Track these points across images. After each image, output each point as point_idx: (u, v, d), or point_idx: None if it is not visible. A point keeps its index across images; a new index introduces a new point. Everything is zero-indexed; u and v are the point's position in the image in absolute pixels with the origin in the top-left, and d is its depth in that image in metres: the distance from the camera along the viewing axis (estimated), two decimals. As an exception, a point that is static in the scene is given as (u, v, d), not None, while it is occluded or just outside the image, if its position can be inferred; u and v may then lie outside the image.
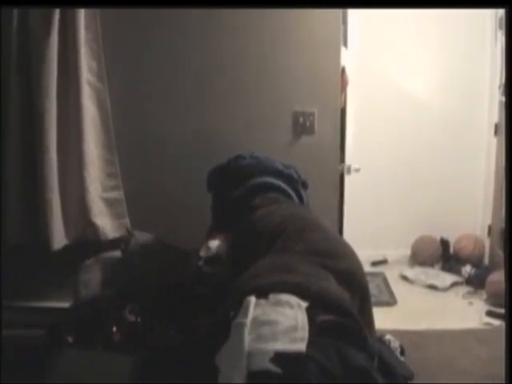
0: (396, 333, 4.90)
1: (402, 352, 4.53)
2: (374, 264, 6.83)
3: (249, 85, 4.35)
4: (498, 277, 5.86)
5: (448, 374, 4.50)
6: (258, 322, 2.16)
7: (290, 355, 2.05)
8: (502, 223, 5.88)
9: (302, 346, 2.07)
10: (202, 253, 3.35)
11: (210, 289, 3.10)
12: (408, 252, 6.96)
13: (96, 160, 4.18)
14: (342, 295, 2.45)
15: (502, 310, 5.55)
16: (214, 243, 3.38)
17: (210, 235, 3.51)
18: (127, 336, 3.25)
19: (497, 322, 5.46)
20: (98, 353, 3.18)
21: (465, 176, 6.20)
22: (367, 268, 5.98)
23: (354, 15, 5.62)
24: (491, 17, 6.50)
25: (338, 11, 4.32)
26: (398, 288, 6.31)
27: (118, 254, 3.84)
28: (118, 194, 4.27)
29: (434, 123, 6.55)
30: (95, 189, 4.18)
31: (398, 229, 6.90)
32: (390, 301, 5.89)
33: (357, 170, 5.56)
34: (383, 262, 6.95)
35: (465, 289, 6.22)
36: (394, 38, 6.60)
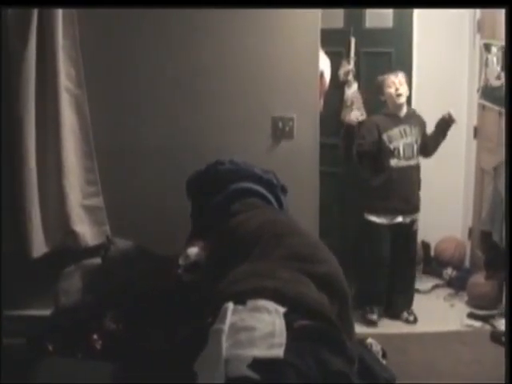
0: (378, 336, 4.92)
1: (384, 355, 4.54)
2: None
3: (227, 90, 4.35)
4: (479, 279, 5.88)
5: (430, 377, 4.52)
6: (235, 328, 2.16)
7: (268, 361, 2.06)
8: (481, 226, 5.91)
9: (279, 352, 2.08)
10: (181, 261, 3.35)
11: (190, 296, 3.10)
12: (389, 255, 6.96)
13: (75, 167, 4.17)
14: (321, 300, 2.45)
15: (483, 312, 5.58)
16: (193, 251, 3.38)
17: (189, 243, 3.51)
18: (108, 343, 3.25)
19: (478, 324, 5.47)
20: (79, 361, 3.18)
21: (445, 179, 6.21)
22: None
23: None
24: (469, 20, 6.53)
25: (317, 16, 4.33)
26: (381, 292, 6.32)
27: (98, 261, 3.84)
28: (98, 202, 4.26)
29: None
30: (75, 196, 4.17)
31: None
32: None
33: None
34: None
35: (446, 291, 6.23)
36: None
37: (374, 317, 5.42)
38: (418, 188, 5.55)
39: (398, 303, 5.59)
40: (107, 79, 4.33)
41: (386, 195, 5.40)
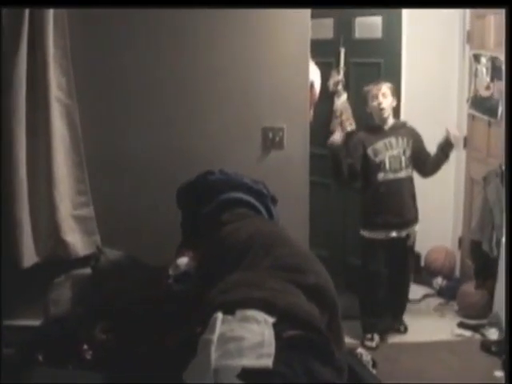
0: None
1: (374, 365, 4.56)
2: (347, 277, 6.84)
3: (218, 101, 4.36)
4: (469, 288, 5.90)
5: (420, 387, 4.54)
6: (224, 339, 2.17)
7: (257, 371, 2.06)
8: (471, 235, 5.93)
9: (268, 362, 2.09)
10: (171, 271, 3.35)
11: (180, 306, 3.10)
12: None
13: (66, 177, 4.16)
14: (310, 310, 2.46)
15: (474, 322, 5.59)
16: (183, 261, 3.38)
17: (179, 252, 3.51)
18: (98, 354, 3.25)
19: (468, 334, 5.49)
20: (69, 371, 3.17)
21: (435, 189, 6.22)
22: (340, 281, 5.98)
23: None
24: (459, 30, 6.57)
25: (307, 26, 4.35)
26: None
27: (88, 271, 3.83)
28: (88, 212, 4.26)
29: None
30: (65, 206, 4.16)
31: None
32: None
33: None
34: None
35: (436, 301, 6.25)
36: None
37: (373, 344, 5.29)
38: (412, 200, 5.42)
39: (389, 315, 5.54)
40: (98, 89, 4.33)
41: (376, 210, 5.35)
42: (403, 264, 5.53)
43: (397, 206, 5.33)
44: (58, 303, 3.70)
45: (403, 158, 5.30)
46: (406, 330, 5.54)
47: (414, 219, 5.44)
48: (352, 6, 5.27)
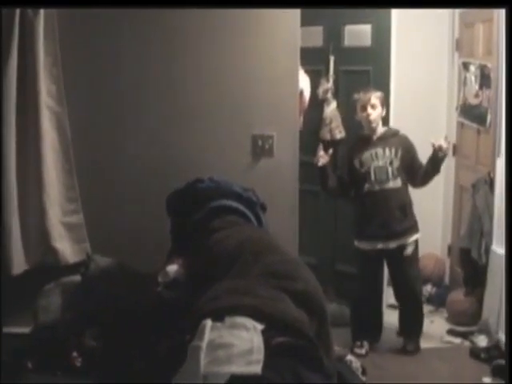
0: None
1: (364, 372, 4.56)
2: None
3: (208, 108, 4.37)
4: (458, 296, 5.92)
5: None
6: (213, 345, 2.17)
7: (246, 378, 2.07)
8: (460, 243, 5.95)
9: (257, 369, 2.09)
10: (160, 278, 3.35)
11: (169, 313, 3.10)
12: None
13: (56, 184, 4.16)
14: (299, 317, 2.47)
15: (463, 329, 5.60)
16: (172, 268, 3.38)
17: (169, 260, 3.52)
18: (87, 361, 3.24)
19: (458, 341, 5.50)
20: (59, 378, 3.17)
21: (424, 197, 6.23)
22: (329, 289, 5.98)
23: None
24: (448, 39, 6.60)
25: (297, 33, 4.37)
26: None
27: (77, 278, 3.83)
28: (78, 219, 4.26)
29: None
30: (55, 213, 4.16)
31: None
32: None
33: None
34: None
35: (426, 308, 6.24)
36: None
37: (363, 351, 5.24)
38: (402, 211, 5.26)
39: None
40: (88, 96, 4.34)
41: (363, 221, 5.30)
42: (401, 276, 5.37)
43: (382, 218, 5.24)
44: (47, 310, 3.69)
45: (390, 169, 5.20)
46: (416, 350, 5.33)
47: (407, 230, 5.28)
48: (355, 6, 5.30)
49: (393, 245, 5.24)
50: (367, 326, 5.39)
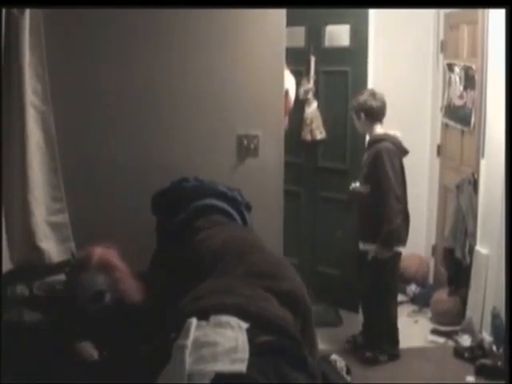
0: (342, 352, 4.95)
1: (349, 371, 4.58)
2: (321, 285, 6.87)
3: (193, 109, 4.38)
4: (442, 295, 5.96)
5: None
6: (198, 344, 2.18)
7: (230, 376, 2.08)
8: (444, 242, 5.98)
9: (241, 367, 2.10)
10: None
11: (152, 312, 3.10)
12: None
13: (41, 184, 4.15)
14: (283, 316, 2.48)
15: (447, 328, 5.64)
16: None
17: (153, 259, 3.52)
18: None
19: (441, 340, 5.54)
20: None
21: (408, 197, 6.26)
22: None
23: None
24: (433, 40, 6.64)
25: (282, 33, 4.39)
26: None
27: (62, 277, 3.82)
28: (63, 218, 4.24)
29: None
30: (40, 212, 4.14)
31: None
32: (336, 321, 5.93)
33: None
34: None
35: (410, 307, 6.31)
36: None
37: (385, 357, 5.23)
38: (368, 219, 5.25)
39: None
40: (73, 96, 4.33)
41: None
42: (368, 280, 5.35)
43: (359, 219, 5.41)
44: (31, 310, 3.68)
45: (362, 175, 5.28)
46: (395, 357, 5.29)
47: (368, 238, 5.22)
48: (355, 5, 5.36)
49: (365, 247, 5.29)
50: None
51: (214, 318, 2.30)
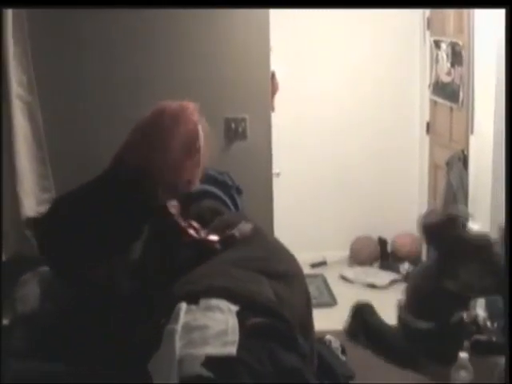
0: (337, 333, 4.96)
1: (343, 352, 4.58)
2: (314, 266, 6.89)
3: (179, 92, 4.34)
4: (435, 273, 5.96)
5: (389, 373, 4.57)
6: (188, 328, 2.18)
7: (221, 359, 2.08)
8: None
9: (232, 350, 2.11)
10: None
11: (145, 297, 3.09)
12: (347, 253, 7.04)
13: (29, 174, 4.15)
14: (272, 298, 2.47)
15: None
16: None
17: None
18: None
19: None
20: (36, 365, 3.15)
21: (399, 175, 6.29)
22: (307, 270, 6.01)
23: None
24: (419, 17, 6.63)
25: (267, 16, 4.37)
26: (339, 288, 6.39)
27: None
28: (53, 208, 4.24)
29: (366, 124, 6.64)
30: (29, 203, 4.14)
31: (336, 230, 6.98)
32: (331, 302, 5.95)
33: (277, 175, 5.57)
34: (322, 263, 7.02)
35: (403, 286, 6.30)
36: (324, 38, 6.67)
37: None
38: None
39: None
40: (60, 85, 4.32)
41: None
42: None
43: None
44: (25, 301, 3.67)
45: None
46: None
47: None
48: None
49: None
50: None
51: (203, 302, 2.30)
